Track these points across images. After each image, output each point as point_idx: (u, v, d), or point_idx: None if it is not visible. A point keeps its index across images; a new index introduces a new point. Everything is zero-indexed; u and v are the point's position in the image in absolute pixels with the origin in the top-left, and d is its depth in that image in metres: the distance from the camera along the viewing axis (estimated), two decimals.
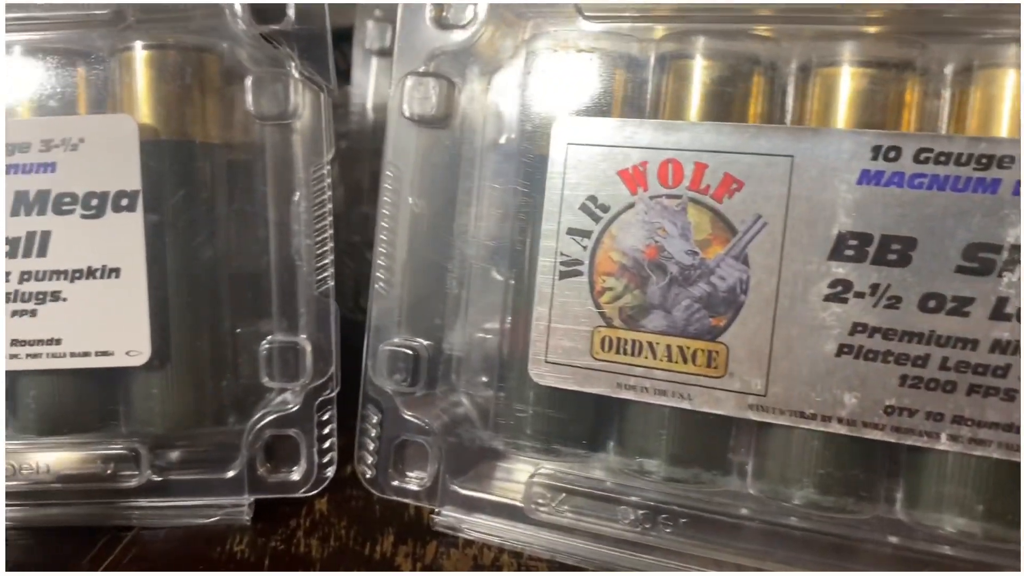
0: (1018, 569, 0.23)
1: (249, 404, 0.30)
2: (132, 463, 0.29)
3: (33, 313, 0.29)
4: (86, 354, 0.29)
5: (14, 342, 0.29)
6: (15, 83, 0.29)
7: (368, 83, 0.40)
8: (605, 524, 0.26)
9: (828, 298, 0.24)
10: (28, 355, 0.29)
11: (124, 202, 0.28)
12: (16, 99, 0.29)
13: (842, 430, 0.24)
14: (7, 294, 0.28)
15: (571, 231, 0.26)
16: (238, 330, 0.30)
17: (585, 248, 0.26)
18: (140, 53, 0.29)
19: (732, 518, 0.26)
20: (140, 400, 0.29)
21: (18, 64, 0.29)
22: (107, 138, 0.28)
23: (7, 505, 0.29)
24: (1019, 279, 0.22)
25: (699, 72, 0.26)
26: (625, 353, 0.26)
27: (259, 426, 0.29)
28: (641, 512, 0.26)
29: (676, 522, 0.26)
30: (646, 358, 0.26)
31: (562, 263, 0.26)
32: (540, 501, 0.27)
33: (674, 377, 0.25)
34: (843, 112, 0.25)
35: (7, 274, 0.28)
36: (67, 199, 0.28)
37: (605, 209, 0.26)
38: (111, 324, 0.28)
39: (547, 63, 0.27)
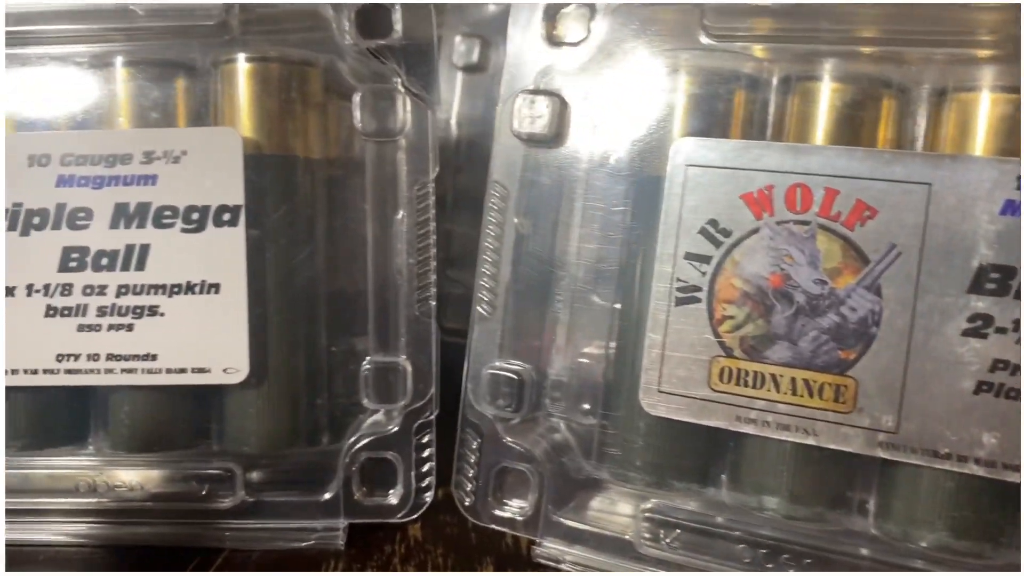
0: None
1: (342, 425, 0.29)
2: (227, 483, 0.28)
3: (130, 328, 0.28)
4: (182, 371, 0.28)
5: (109, 356, 0.28)
6: (114, 94, 0.29)
7: (453, 99, 0.39)
8: (721, 562, 0.25)
9: (967, 333, 0.23)
10: (123, 370, 0.28)
11: (226, 216, 0.28)
12: (115, 110, 0.29)
13: (979, 471, 0.23)
14: (103, 307, 0.28)
15: (689, 256, 0.25)
16: (333, 349, 0.30)
17: (704, 274, 0.25)
18: (243, 66, 0.28)
19: (854, 558, 0.25)
20: (234, 418, 0.29)
21: (119, 76, 0.29)
22: (210, 151, 0.28)
23: (92, 522, 0.29)
24: None
25: (828, 95, 0.25)
26: (746, 385, 0.25)
27: (355, 448, 0.28)
28: (762, 552, 0.25)
29: (800, 562, 0.24)
30: (768, 391, 0.25)
31: (678, 289, 0.25)
32: (650, 536, 0.26)
33: (798, 411, 0.24)
34: (982, 139, 0.24)
35: (103, 287, 0.28)
36: (168, 212, 0.28)
37: (727, 234, 0.25)
38: (209, 341, 0.28)
39: (662, 82, 0.26)
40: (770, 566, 0.25)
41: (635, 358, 0.26)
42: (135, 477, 0.29)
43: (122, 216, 0.28)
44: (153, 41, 0.29)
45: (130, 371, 0.28)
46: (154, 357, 0.28)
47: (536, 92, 0.27)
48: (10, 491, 0.29)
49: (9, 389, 0.29)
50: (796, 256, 0.24)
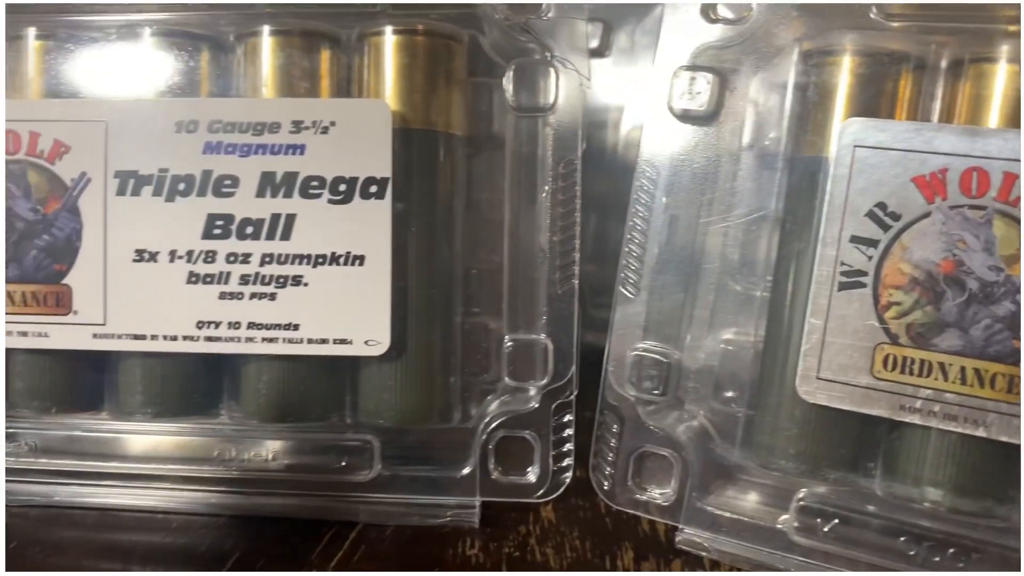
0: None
1: (474, 402, 0.29)
2: (365, 456, 0.28)
3: (272, 297, 0.28)
4: (324, 341, 0.28)
5: (251, 325, 0.28)
6: (260, 64, 0.29)
7: None
8: (880, 555, 0.24)
9: None
10: (264, 339, 0.28)
11: (373, 189, 0.28)
12: (261, 80, 0.29)
13: None
14: (246, 276, 0.28)
15: (855, 239, 0.25)
16: (467, 325, 0.29)
17: (870, 258, 0.24)
18: (390, 38, 0.28)
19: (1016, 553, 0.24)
20: (372, 391, 0.28)
21: (265, 45, 0.29)
22: (359, 123, 0.28)
23: (223, 491, 0.29)
24: None
25: (1004, 78, 0.24)
26: (911, 373, 0.24)
27: (492, 426, 0.28)
28: (927, 545, 0.24)
29: (969, 557, 0.24)
30: (936, 380, 0.24)
31: (842, 273, 0.25)
32: (803, 526, 0.25)
33: (968, 402, 0.24)
34: None
35: (247, 255, 0.28)
36: (315, 183, 0.28)
37: (896, 217, 0.24)
38: (352, 312, 0.28)
39: (825, 61, 0.26)
40: (936, 559, 0.24)
41: (786, 345, 0.26)
42: (270, 447, 0.29)
43: (268, 185, 0.28)
44: (300, 13, 0.29)
45: (271, 340, 0.28)
46: (296, 327, 0.28)
47: (695, 68, 0.26)
48: (141, 457, 0.29)
49: (144, 355, 0.29)
50: (970, 242, 0.24)
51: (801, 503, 0.25)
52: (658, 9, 0.39)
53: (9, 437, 0.30)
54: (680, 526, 0.27)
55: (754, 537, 0.26)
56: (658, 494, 0.27)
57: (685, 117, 0.27)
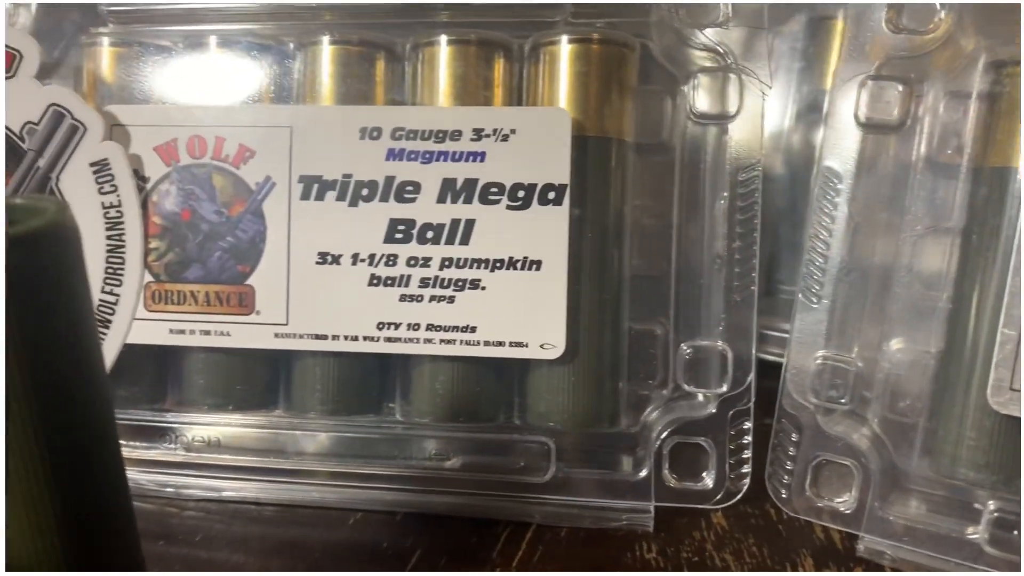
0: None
1: (641, 407, 0.29)
2: (542, 458, 0.28)
3: (451, 300, 0.29)
4: (500, 344, 0.28)
5: (429, 326, 0.29)
6: (437, 72, 0.29)
7: None
8: None
9: None
10: (442, 340, 0.29)
11: (551, 195, 0.28)
12: (438, 88, 0.29)
13: None
14: (426, 279, 0.29)
15: None
16: (634, 331, 0.30)
17: None
18: (566, 47, 0.29)
19: None
20: (543, 394, 0.29)
21: (442, 54, 0.29)
22: (539, 131, 0.28)
23: (397, 488, 0.30)
24: None
25: None
26: None
27: (667, 432, 0.28)
28: None
29: None
30: None
31: None
32: (996, 538, 0.25)
33: None
34: None
35: (428, 259, 0.29)
36: (494, 189, 0.28)
37: None
38: (528, 316, 0.28)
39: (1015, 71, 0.26)
40: None
41: (972, 356, 0.26)
42: (444, 446, 0.29)
43: (449, 191, 0.28)
44: (478, 20, 0.29)
45: (449, 342, 0.29)
46: (473, 329, 0.28)
47: (883, 78, 0.26)
48: (315, 454, 0.30)
49: (320, 354, 0.30)
50: None
51: (994, 514, 0.25)
52: (797, 15, 0.39)
53: (178, 433, 0.31)
54: (861, 534, 0.27)
55: (939, 547, 0.26)
56: (837, 502, 0.27)
57: (871, 127, 0.27)
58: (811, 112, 0.39)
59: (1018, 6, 0.26)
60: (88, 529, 0.19)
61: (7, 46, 0.28)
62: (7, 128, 0.29)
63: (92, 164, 0.29)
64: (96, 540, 0.19)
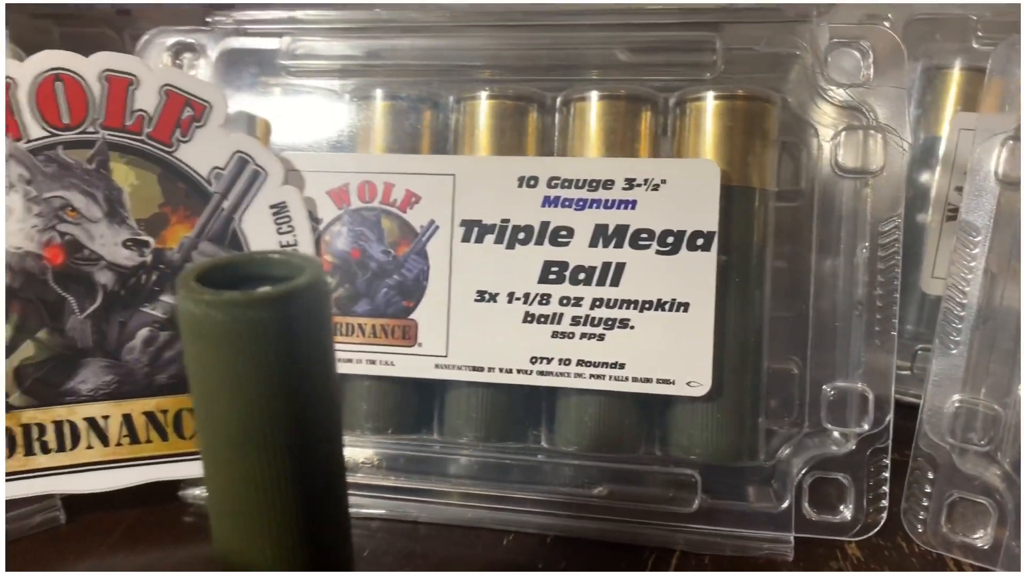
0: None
1: (778, 443, 0.31)
2: (689, 489, 0.30)
3: (601, 337, 0.31)
4: (648, 380, 0.30)
5: (580, 362, 0.31)
6: (588, 124, 0.32)
7: None
8: None
9: None
10: (592, 375, 0.31)
11: (699, 242, 0.30)
12: (588, 139, 0.32)
13: None
14: (577, 317, 0.31)
15: None
16: (772, 370, 0.31)
17: None
18: (711, 103, 0.31)
19: None
20: (686, 428, 0.31)
21: (592, 108, 0.32)
22: (689, 181, 0.30)
23: (545, 513, 0.31)
24: None
25: None
26: None
27: (806, 467, 0.30)
28: None
29: None
30: None
31: None
32: None
33: None
34: None
35: (579, 299, 0.31)
36: (644, 235, 0.30)
37: None
38: (675, 355, 0.30)
39: None
40: None
41: None
42: (590, 474, 0.31)
43: (601, 236, 0.31)
44: (633, 77, 0.31)
45: (598, 377, 0.31)
46: (622, 366, 0.30)
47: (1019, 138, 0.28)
48: (468, 477, 0.32)
49: (472, 384, 0.32)
50: None
51: None
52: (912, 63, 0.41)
53: None
54: (996, 570, 0.28)
55: None
56: (973, 538, 0.29)
57: (1009, 183, 0.28)
58: (928, 157, 0.40)
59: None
60: (326, 549, 0.21)
61: (199, 98, 0.31)
62: (195, 172, 0.32)
63: (272, 206, 0.32)
64: (331, 558, 0.22)
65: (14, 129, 0.30)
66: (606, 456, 0.31)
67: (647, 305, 0.30)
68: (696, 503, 0.30)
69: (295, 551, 0.21)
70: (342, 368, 0.32)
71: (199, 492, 0.33)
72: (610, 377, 0.31)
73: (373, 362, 0.32)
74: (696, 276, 0.30)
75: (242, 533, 0.21)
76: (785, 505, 0.30)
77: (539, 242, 0.31)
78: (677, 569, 0.29)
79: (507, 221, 0.31)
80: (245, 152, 0.32)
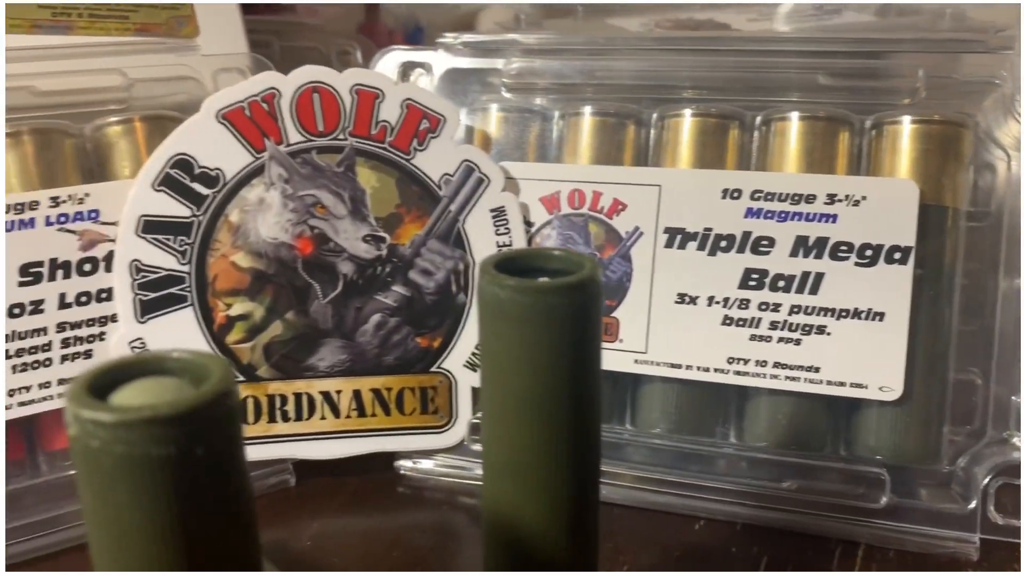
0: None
1: (959, 449, 0.33)
2: (878, 487, 0.32)
3: (797, 342, 0.33)
4: (841, 384, 0.32)
5: (776, 364, 0.33)
6: (788, 142, 0.34)
7: None
8: None
9: None
10: (787, 377, 0.33)
11: (896, 256, 0.32)
12: (788, 156, 0.34)
13: None
14: (775, 322, 0.33)
15: None
16: (956, 380, 0.33)
17: None
18: (908, 127, 0.33)
19: None
20: (875, 430, 0.33)
21: (793, 128, 0.34)
22: (888, 198, 0.32)
23: (736, 503, 0.34)
24: None
25: None
26: None
27: (992, 473, 0.31)
28: None
29: None
30: None
31: None
32: None
33: None
34: None
35: (777, 305, 0.33)
36: (843, 247, 0.32)
37: None
38: (869, 361, 0.32)
39: None
40: None
41: None
42: (779, 469, 0.33)
43: (801, 247, 0.33)
44: (832, 100, 0.34)
45: (793, 379, 0.33)
46: (816, 369, 0.33)
47: None
48: (656, 464, 0.35)
49: (671, 380, 0.35)
50: None
51: None
52: None
53: None
54: None
55: None
56: None
57: None
58: None
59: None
60: (586, 505, 0.24)
61: (435, 111, 0.35)
62: (428, 177, 0.35)
63: (492, 210, 0.35)
64: (590, 513, 0.25)
65: (276, 134, 0.34)
66: (795, 453, 0.33)
67: (844, 313, 0.32)
68: (884, 500, 0.32)
69: (563, 504, 0.24)
70: None
71: (412, 464, 0.37)
72: (804, 379, 0.33)
73: None
74: (892, 287, 0.32)
75: (519, 487, 0.24)
76: (971, 507, 0.31)
77: (740, 250, 0.33)
78: (864, 560, 0.31)
79: (709, 230, 0.34)
80: (472, 161, 0.35)
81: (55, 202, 0.32)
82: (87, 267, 0.33)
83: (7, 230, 0.31)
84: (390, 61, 0.38)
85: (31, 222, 0.32)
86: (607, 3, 0.56)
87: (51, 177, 0.33)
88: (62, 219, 0.32)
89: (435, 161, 0.35)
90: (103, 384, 0.17)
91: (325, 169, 0.34)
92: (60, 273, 0.32)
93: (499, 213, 0.35)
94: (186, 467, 0.16)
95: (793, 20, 0.55)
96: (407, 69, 0.38)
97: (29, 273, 0.32)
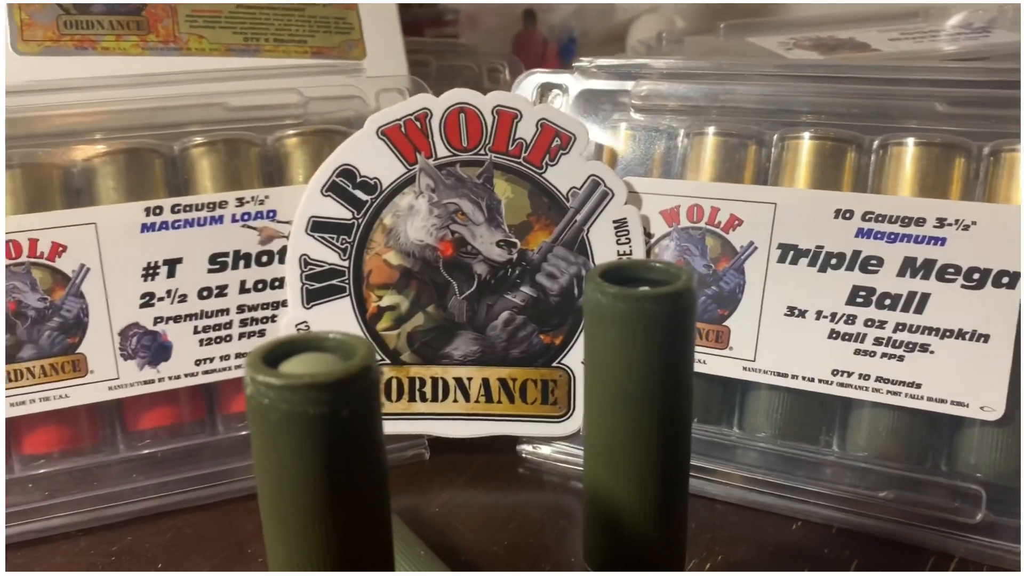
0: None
1: None
2: (974, 502, 0.33)
3: (901, 359, 0.34)
4: (942, 401, 0.34)
5: (878, 378, 0.35)
6: (903, 167, 0.35)
7: None
8: None
9: None
10: (888, 392, 0.34)
11: (1004, 280, 0.33)
12: (903, 179, 0.35)
13: None
14: (880, 338, 0.35)
15: None
16: None
17: None
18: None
19: None
20: (975, 448, 0.34)
21: (908, 153, 0.35)
22: (998, 224, 0.33)
23: (833, 507, 0.35)
24: None
25: None
26: None
27: None
28: None
29: None
30: None
31: None
32: None
33: None
34: None
35: (883, 322, 0.35)
36: (951, 270, 0.34)
37: None
38: (972, 380, 0.33)
39: None
40: None
41: None
42: (880, 479, 0.35)
43: (909, 267, 0.34)
44: (949, 127, 0.35)
45: (895, 393, 0.34)
46: (918, 386, 0.34)
47: None
48: (759, 466, 0.37)
49: (778, 388, 0.37)
50: None
51: None
52: None
53: None
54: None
55: None
56: None
57: None
58: None
59: None
60: (676, 488, 0.27)
61: (566, 130, 0.39)
62: (557, 190, 0.39)
63: (614, 221, 0.39)
64: (679, 496, 0.27)
65: (426, 149, 0.38)
66: (894, 464, 0.35)
67: (948, 333, 0.34)
68: (979, 516, 0.33)
69: (652, 487, 0.27)
70: None
71: (532, 448, 0.41)
72: (906, 394, 0.34)
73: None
74: (999, 311, 0.33)
75: (614, 469, 0.27)
76: None
77: (850, 268, 0.35)
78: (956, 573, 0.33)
79: (821, 247, 0.36)
80: (598, 175, 0.39)
81: (240, 202, 0.38)
82: (264, 259, 0.38)
83: (200, 225, 0.37)
84: (530, 83, 0.42)
85: (220, 219, 0.38)
86: (748, 22, 0.58)
87: (238, 180, 0.38)
88: (245, 217, 0.38)
89: (564, 175, 0.39)
90: (274, 356, 0.21)
91: (466, 180, 0.39)
92: (242, 263, 0.38)
93: (621, 224, 0.39)
94: (334, 424, 0.20)
95: (942, 41, 0.55)
96: (545, 90, 0.42)
97: (217, 262, 0.38)
